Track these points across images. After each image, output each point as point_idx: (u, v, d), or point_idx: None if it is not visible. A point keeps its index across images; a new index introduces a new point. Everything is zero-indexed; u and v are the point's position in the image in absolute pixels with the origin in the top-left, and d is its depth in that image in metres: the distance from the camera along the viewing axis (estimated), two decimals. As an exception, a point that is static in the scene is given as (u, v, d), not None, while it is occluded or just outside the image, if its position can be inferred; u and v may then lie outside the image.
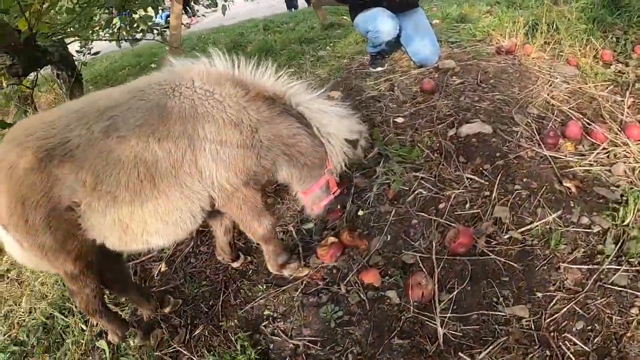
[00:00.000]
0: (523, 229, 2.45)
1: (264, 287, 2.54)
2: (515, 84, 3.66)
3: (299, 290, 2.46)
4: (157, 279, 2.86)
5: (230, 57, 2.13)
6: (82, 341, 2.51)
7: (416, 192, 2.78)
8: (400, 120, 3.47)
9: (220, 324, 2.42)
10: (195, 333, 2.41)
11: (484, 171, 2.84)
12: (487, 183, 2.74)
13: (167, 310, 2.55)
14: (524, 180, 2.70)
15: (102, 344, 2.44)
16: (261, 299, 2.48)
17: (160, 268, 2.90)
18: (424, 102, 3.64)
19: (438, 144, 3.12)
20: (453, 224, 2.53)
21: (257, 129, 2.03)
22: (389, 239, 2.57)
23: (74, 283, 2.09)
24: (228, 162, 1.96)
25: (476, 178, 2.80)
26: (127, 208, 1.87)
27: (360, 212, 2.74)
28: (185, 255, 2.94)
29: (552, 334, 2.00)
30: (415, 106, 3.62)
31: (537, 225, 2.44)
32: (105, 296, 2.51)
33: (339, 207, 2.76)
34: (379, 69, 4.48)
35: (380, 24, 4.05)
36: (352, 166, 2.93)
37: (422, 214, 2.66)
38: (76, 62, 4.27)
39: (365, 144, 2.57)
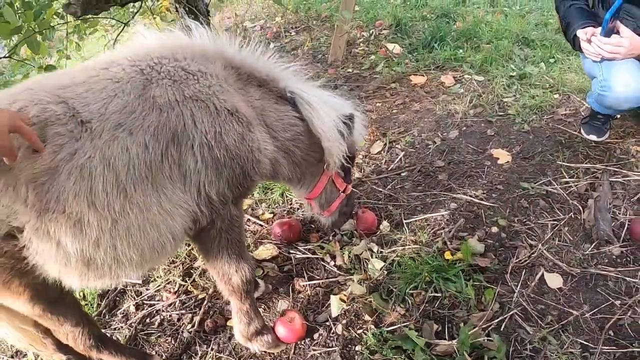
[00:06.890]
0: None
1: None
2: None
3: None
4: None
5: (210, 29, 1.71)
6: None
7: None
8: (557, 283, 2.02)
9: None
10: None
11: None
12: None
13: None
14: None
15: None
16: None
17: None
18: (620, 264, 2.07)
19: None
20: None
21: (252, 120, 1.70)
22: None
23: (48, 321, 1.64)
24: (221, 163, 1.58)
25: None
26: (90, 232, 1.39)
27: None
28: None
29: None
30: (600, 259, 2.08)
31: None
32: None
33: (365, 211, 2.53)
34: (593, 138, 2.93)
35: (616, 77, 2.44)
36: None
37: None
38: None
39: (363, 127, 2.18)
